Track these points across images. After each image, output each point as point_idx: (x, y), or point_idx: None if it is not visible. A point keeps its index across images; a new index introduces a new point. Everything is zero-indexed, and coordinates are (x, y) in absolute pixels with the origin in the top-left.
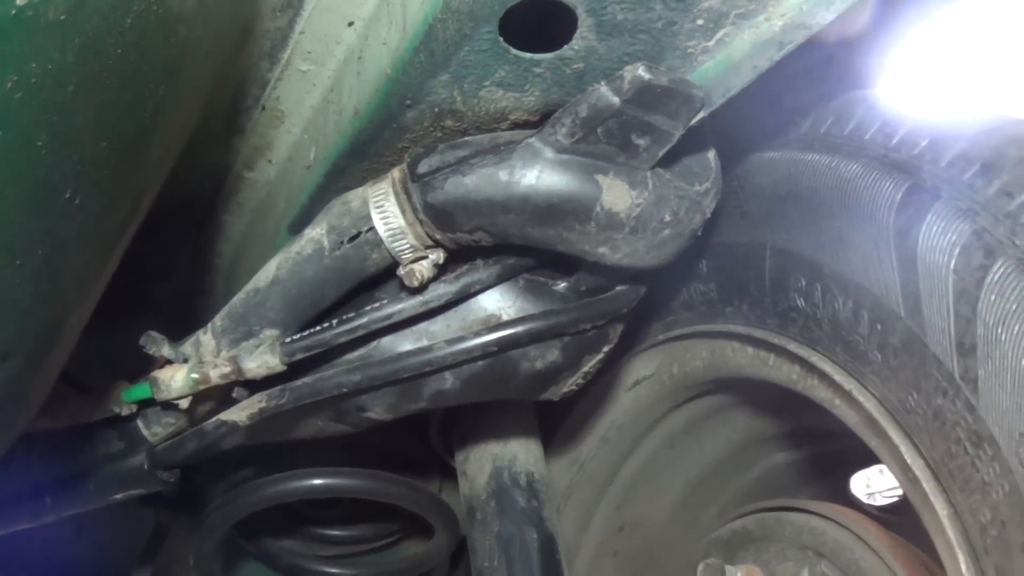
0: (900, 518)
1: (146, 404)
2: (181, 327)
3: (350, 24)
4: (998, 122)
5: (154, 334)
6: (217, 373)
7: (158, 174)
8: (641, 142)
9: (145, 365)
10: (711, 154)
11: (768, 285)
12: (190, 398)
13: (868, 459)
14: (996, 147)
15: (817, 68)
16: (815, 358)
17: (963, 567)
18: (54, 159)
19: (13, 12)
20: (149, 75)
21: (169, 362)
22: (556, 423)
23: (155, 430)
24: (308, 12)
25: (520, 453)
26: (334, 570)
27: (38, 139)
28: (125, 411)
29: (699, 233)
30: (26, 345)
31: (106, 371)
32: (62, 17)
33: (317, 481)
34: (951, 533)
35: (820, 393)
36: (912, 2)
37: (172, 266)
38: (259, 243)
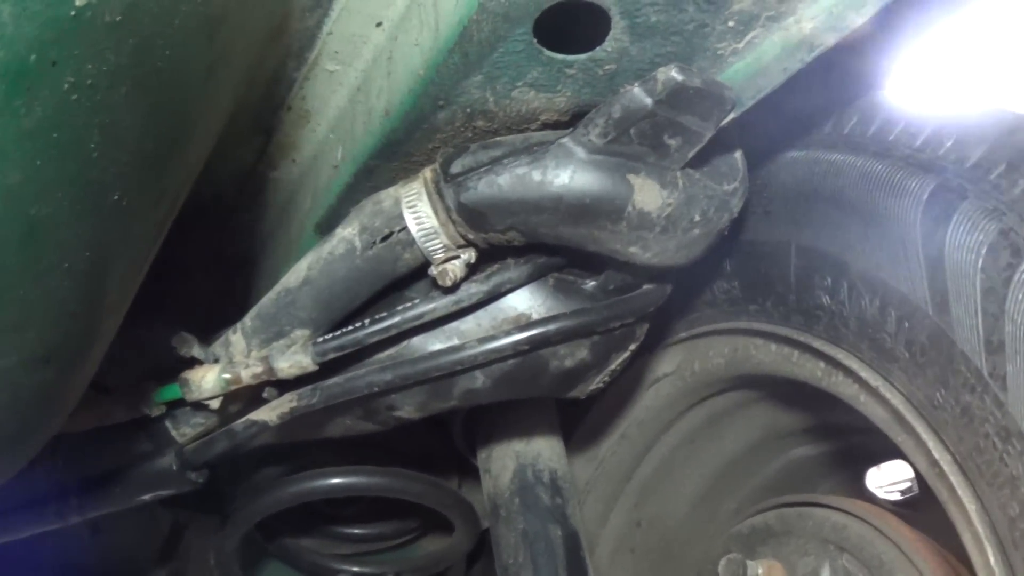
0: (916, 513)
1: (175, 405)
2: (201, 328)
3: (378, 25)
4: (1020, 121)
5: (185, 334)
6: (249, 373)
7: (193, 172)
8: (672, 142)
9: (167, 365)
10: (738, 154)
11: (793, 283)
12: (221, 398)
13: (883, 454)
14: (1021, 147)
15: (837, 68)
16: (841, 355)
17: (992, 560)
18: (105, 161)
19: (72, 13)
20: (193, 75)
21: (199, 362)
22: (577, 420)
23: (184, 431)
24: (336, 12)
25: (543, 450)
26: (355, 568)
27: (91, 141)
28: (155, 412)
29: (726, 232)
30: (69, 348)
31: (125, 371)
32: (118, 18)
33: (339, 480)
34: (979, 527)
35: (845, 389)
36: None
37: (193, 266)
38: (282, 243)
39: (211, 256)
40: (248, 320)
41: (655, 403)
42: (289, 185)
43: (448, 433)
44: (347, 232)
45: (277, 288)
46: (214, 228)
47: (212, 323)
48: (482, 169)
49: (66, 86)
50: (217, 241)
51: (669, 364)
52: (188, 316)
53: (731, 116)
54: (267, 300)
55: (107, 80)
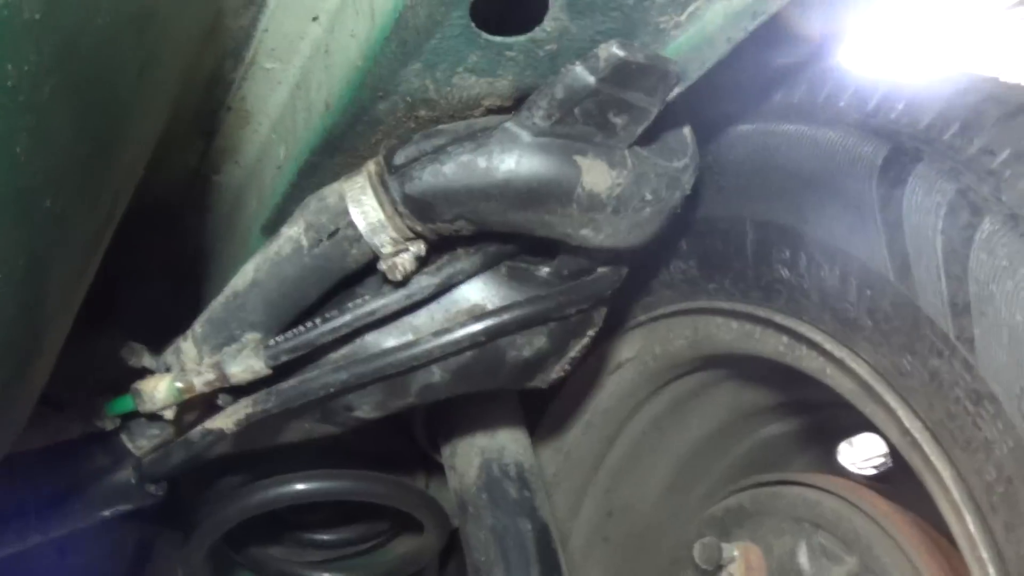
0: (891, 486)
1: (130, 417)
2: (152, 337)
3: (315, 19)
4: (970, 81)
5: (134, 344)
6: (201, 381)
7: (133, 177)
8: (618, 120)
9: (118, 376)
10: (687, 130)
11: (751, 258)
12: (175, 408)
13: (855, 428)
14: (973, 106)
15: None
16: (803, 328)
17: (971, 526)
18: (33, 165)
19: None
20: (124, 75)
21: (150, 372)
22: (541, 411)
23: (140, 443)
24: (271, 9)
25: (508, 444)
26: (325, 575)
27: (17, 145)
28: (108, 426)
29: (679, 210)
30: (11, 360)
31: (76, 385)
32: (37, 16)
33: (303, 486)
34: (956, 493)
35: (810, 363)
36: None
37: (143, 274)
38: (231, 247)
39: (161, 263)
40: (198, 326)
41: (618, 389)
42: (234, 188)
43: (412, 431)
44: (293, 231)
45: (226, 292)
46: (162, 234)
47: (165, 331)
48: (426, 158)
49: None
50: (166, 247)
51: (630, 349)
52: (139, 325)
53: (677, 90)
54: (216, 305)
55: (30, 80)
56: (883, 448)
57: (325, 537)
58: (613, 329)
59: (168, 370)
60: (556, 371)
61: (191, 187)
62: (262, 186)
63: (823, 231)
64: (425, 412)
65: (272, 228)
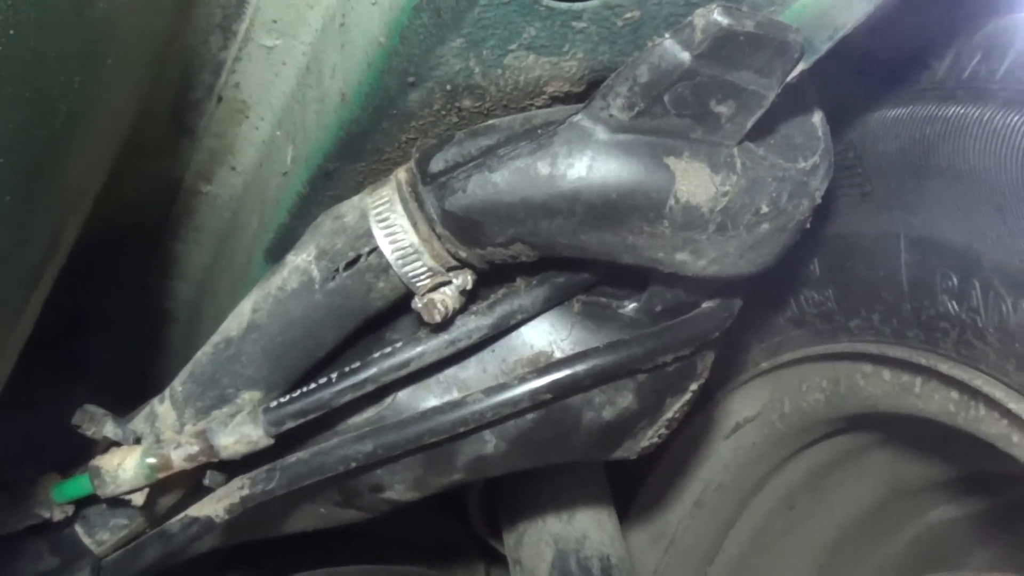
0: None
1: (87, 503)
2: (128, 397)
3: None
4: None
5: (92, 408)
6: (181, 455)
7: (82, 197)
8: (723, 110)
9: (83, 450)
10: (816, 118)
11: (906, 287)
12: (146, 491)
13: None
14: None
15: None
16: (979, 381)
17: None
18: None
19: None
20: (60, 63)
21: (115, 444)
22: (634, 487)
23: (101, 536)
24: None
25: (590, 531)
26: None
27: None
28: (58, 515)
29: (808, 225)
30: None
31: (29, 461)
32: None
33: None
34: None
35: (989, 428)
36: None
37: (112, 317)
38: (227, 278)
39: (132, 303)
40: (179, 384)
41: (737, 458)
42: (229, 201)
43: (465, 512)
44: (301, 259)
45: (215, 339)
46: (134, 266)
47: (136, 391)
48: (471, 164)
49: None
50: (139, 283)
51: (750, 406)
52: (103, 384)
53: (801, 67)
54: (203, 356)
55: None
56: None
57: None
58: (726, 381)
59: (138, 441)
60: (649, 437)
61: (172, 203)
62: (264, 199)
63: (1004, 251)
64: (480, 489)
65: (277, 254)
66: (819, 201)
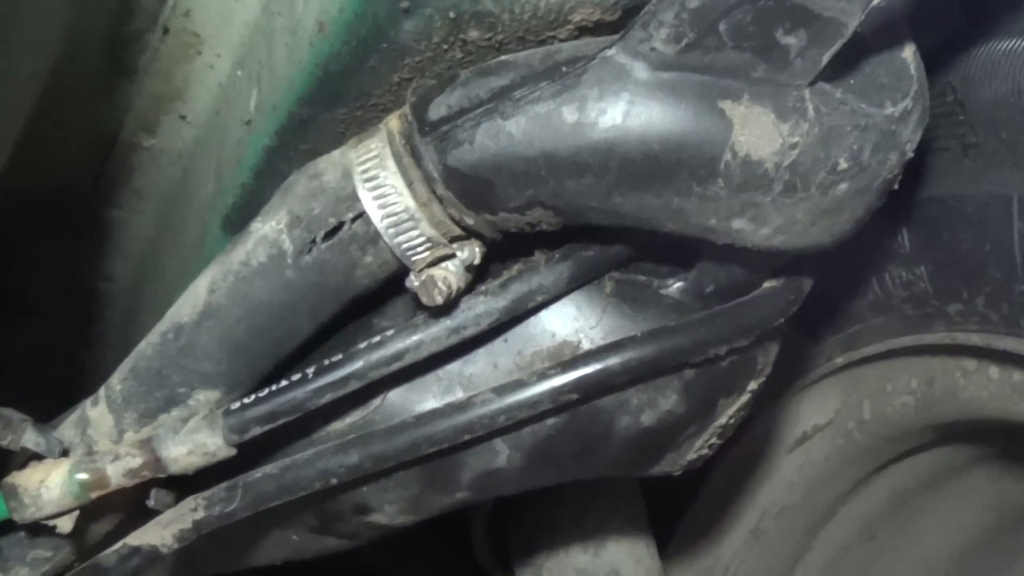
0: None
1: (0, 531)
2: (55, 398)
3: None
4: None
5: (7, 412)
6: (120, 469)
7: None
8: (792, 41)
9: None
10: (908, 52)
11: (1020, 264)
12: (76, 514)
13: None
14: None
15: None
16: None
17: None
18: None
19: None
20: None
21: (37, 457)
22: (677, 511)
23: (17, 572)
24: None
25: (623, 565)
26: None
27: None
28: None
29: (896, 185)
30: None
31: None
32: None
33: None
34: None
35: None
36: None
37: (35, 302)
38: (176, 252)
39: (59, 286)
40: (117, 382)
41: (804, 476)
42: (178, 158)
43: (467, 541)
44: (269, 227)
45: (162, 327)
46: (61, 241)
47: (64, 392)
48: (480, 110)
49: None
50: (68, 260)
51: (821, 411)
52: (22, 385)
53: None
54: (147, 348)
55: None
56: None
57: None
58: (792, 380)
59: (66, 453)
60: (697, 448)
61: (107, 161)
62: (222, 156)
63: None
64: (487, 512)
65: (238, 222)
66: (910, 155)
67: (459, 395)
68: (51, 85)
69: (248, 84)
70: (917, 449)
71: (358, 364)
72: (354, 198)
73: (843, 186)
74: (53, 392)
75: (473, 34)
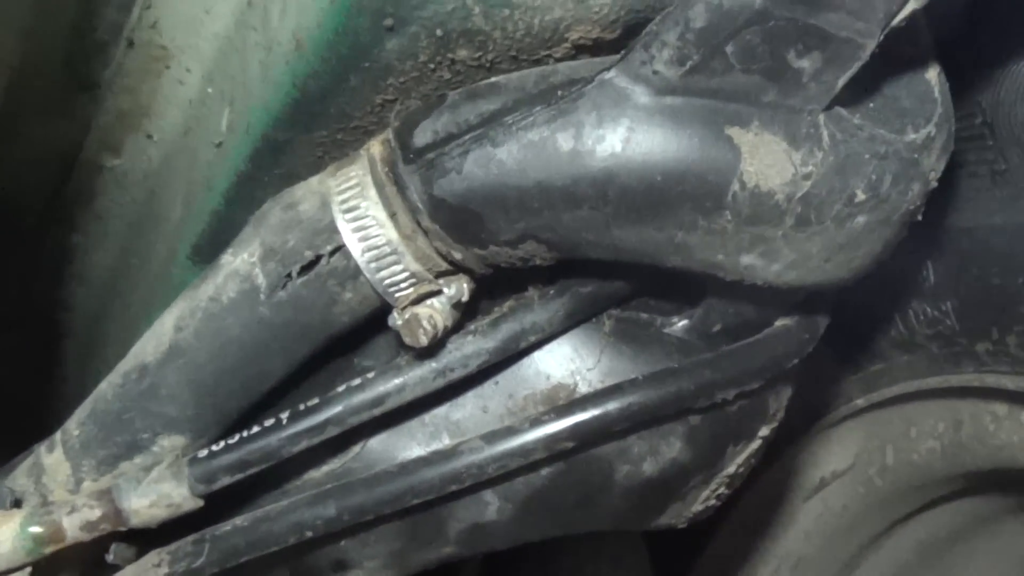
0: None
1: None
2: (6, 440)
3: None
4: None
5: None
6: (77, 521)
7: None
8: (805, 64)
9: None
10: (932, 74)
11: None
12: (28, 570)
13: None
14: None
15: None
16: None
17: None
18: None
19: None
20: None
21: None
22: (684, 566)
23: None
24: None
25: None
26: None
27: None
28: None
29: (919, 216)
30: None
31: None
32: None
33: None
34: None
35: None
36: None
37: None
38: (140, 283)
39: (12, 316)
40: (75, 426)
41: (822, 527)
42: (143, 180)
43: None
44: (241, 260)
45: (124, 367)
46: (15, 265)
47: (17, 435)
48: (469, 136)
49: None
50: (22, 288)
51: (840, 456)
52: None
53: (912, 6)
54: (107, 389)
55: None
56: None
57: None
58: (809, 424)
59: (18, 504)
60: (704, 499)
61: (67, 182)
62: (191, 179)
63: None
64: (480, 568)
65: (208, 253)
66: (934, 185)
67: (446, 442)
68: (5, 100)
69: (220, 102)
70: (944, 499)
71: (336, 408)
72: (333, 230)
73: (861, 219)
74: (4, 434)
75: (462, 53)
